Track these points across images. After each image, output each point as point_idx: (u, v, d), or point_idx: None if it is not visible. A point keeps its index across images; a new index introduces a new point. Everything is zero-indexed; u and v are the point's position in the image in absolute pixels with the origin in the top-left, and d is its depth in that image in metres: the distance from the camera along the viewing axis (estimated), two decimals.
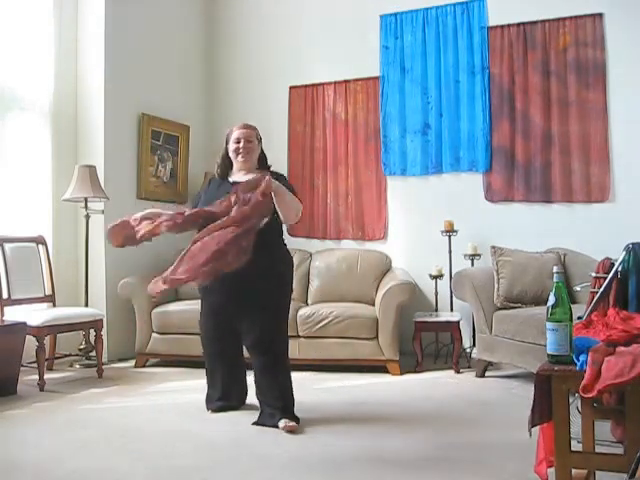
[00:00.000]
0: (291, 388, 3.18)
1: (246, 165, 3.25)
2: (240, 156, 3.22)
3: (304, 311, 4.51)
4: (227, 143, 3.31)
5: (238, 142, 3.22)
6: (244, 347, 3.30)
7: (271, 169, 3.33)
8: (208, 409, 3.38)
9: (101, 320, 4.38)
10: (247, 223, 2.85)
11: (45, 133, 4.81)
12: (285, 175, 3.38)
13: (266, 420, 3.11)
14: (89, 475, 2.46)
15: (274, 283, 3.17)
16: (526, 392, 3.62)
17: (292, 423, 3.03)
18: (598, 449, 2.17)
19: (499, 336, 4.01)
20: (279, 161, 5.72)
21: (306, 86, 5.69)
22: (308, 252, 5.23)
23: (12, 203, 4.57)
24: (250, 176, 3.12)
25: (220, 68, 6.11)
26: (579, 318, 2.44)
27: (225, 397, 3.38)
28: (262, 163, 3.34)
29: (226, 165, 3.32)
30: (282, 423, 3.03)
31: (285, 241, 3.32)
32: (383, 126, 5.38)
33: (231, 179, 3.27)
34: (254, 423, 3.12)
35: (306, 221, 5.63)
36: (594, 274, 2.80)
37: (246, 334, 3.21)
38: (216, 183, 3.33)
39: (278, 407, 3.10)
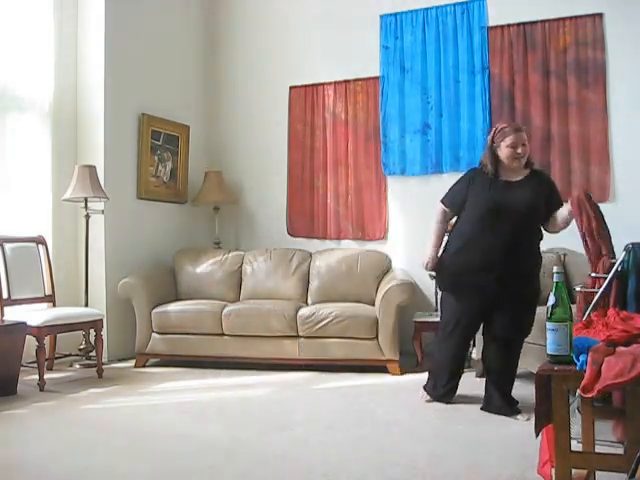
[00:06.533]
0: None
1: (519, 168, 3.34)
2: (517, 161, 3.29)
3: (304, 311, 4.51)
4: (493, 141, 3.34)
5: (515, 147, 3.27)
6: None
7: (538, 170, 3.46)
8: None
9: (101, 320, 4.38)
10: None
11: (45, 133, 4.81)
12: (551, 178, 3.53)
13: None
14: (89, 475, 2.47)
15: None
16: (525, 392, 3.63)
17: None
18: (598, 449, 2.17)
19: None
20: (279, 161, 5.75)
21: (306, 86, 5.69)
22: (308, 252, 5.23)
23: (12, 203, 4.56)
24: (522, 177, 3.32)
25: (220, 68, 6.11)
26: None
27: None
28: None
29: (498, 165, 3.34)
30: None
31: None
32: (383, 126, 5.37)
33: (503, 178, 3.34)
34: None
35: (306, 221, 5.65)
36: (594, 274, 2.80)
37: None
38: (484, 180, 3.36)
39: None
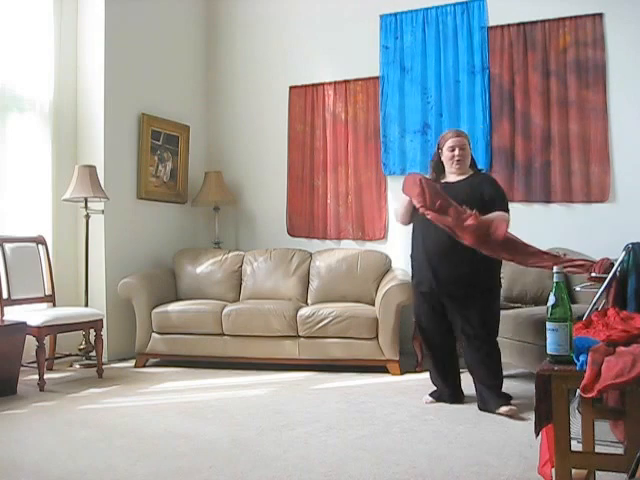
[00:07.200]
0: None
1: (460, 170, 3.47)
2: (455, 164, 3.44)
3: (304, 311, 4.51)
4: (439, 149, 3.54)
5: (453, 150, 3.43)
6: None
7: (482, 172, 3.61)
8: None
9: (101, 320, 4.38)
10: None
11: (45, 133, 4.81)
12: (493, 177, 3.64)
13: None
14: (89, 475, 2.47)
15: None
16: (525, 392, 3.63)
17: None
18: (598, 449, 2.17)
19: (499, 336, 4.00)
20: (279, 161, 5.75)
21: (306, 86, 5.69)
22: (308, 252, 5.23)
23: (12, 203, 4.57)
24: (462, 178, 3.45)
25: (220, 68, 6.11)
26: (579, 318, 2.44)
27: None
28: (473, 165, 3.56)
29: (439, 169, 3.55)
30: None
31: None
32: (383, 126, 5.37)
33: (443, 181, 3.51)
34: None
35: (306, 221, 5.65)
36: (594, 274, 2.80)
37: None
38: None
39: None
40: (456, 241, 3.20)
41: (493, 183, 3.48)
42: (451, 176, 3.51)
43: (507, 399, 3.32)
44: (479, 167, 3.67)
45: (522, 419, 3.14)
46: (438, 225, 3.19)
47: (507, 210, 3.36)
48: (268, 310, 4.55)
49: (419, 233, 3.47)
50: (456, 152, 3.42)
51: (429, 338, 3.58)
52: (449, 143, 3.46)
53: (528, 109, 4.94)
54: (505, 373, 4.28)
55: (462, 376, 3.64)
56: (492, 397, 3.32)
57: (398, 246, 5.32)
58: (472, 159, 3.59)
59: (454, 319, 3.44)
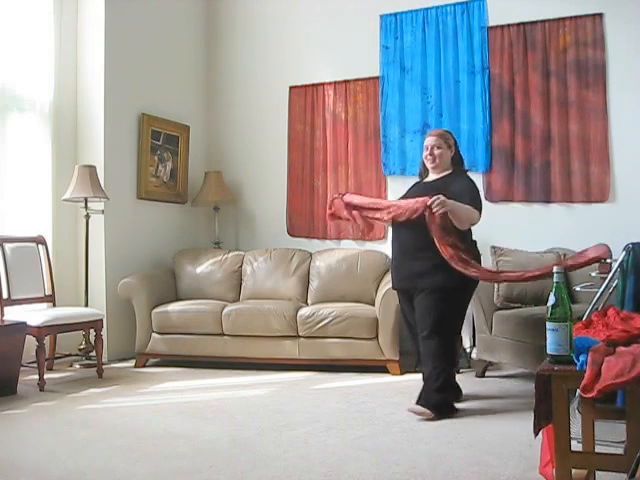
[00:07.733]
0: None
1: (436, 170, 3.54)
2: (429, 162, 3.53)
3: (304, 311, 4.51)
4: None
5: (426, 150, 3.53)
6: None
7: (464, 171, 3.60)
8: None
9: (101, 320, 4.38)
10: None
11: (45, 133, 4.81)
12: (467, 176, 3.57)
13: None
14: (89, 475, 2.47)
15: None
16: (525, 392, 3.63)
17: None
18: (598, 449, 2.17)
19: (499, 336, 4.01)
20: (279, 161, 5.76)
21: (306, 86, 5.69)
22: (308, 252, 5.23)
23: (12, 203, 4.57)
24: (438, 177, 3.52)
25: (220, 68, 6.11)
26: (579, 318, 2.45)
27: None
28: (457, 164, 3.58)
29: (426, 168, 3.64)
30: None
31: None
32: (383, 126, 5.37)
33: (424, 180, 3.65)
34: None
35: (306, 221, 5.65)
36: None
37: None
38: (415, 185, 3.68)
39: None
40: (418, 241, 3.28)
41: (463, 181, 3.46)
42: (431, 175, 3.59)
43: (428, 404, 3.22)
44: (465, 167, 3.67)
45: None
46: (401, 225, 3.35)
47: (476, 207, 3.31)
48: (268, 310, 4.55)
49: (393, 233, 3.56)
50: (428, 151, 3.51)
51: (412, 335, 3.63)
52: (424, 143, 3.58)
53: (528, 109, 4.94)
54: (505, 373, 4.32)
55: (459, 376, 3.65)
56: (422, 394, 3.32)
57: None
58: (460, 158, 3.61)
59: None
